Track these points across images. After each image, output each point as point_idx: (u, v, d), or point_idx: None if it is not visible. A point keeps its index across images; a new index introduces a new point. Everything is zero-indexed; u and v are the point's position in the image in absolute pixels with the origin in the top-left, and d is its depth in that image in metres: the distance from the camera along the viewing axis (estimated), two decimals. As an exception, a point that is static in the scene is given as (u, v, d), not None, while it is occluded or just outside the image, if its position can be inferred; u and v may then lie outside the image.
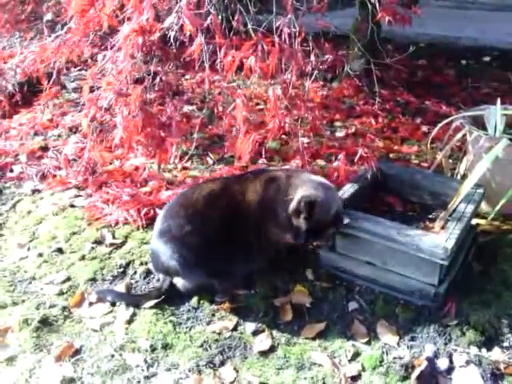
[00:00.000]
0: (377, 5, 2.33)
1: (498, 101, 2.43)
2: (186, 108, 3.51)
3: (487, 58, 4.67)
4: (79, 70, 3.92)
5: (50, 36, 2.44)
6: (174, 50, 2.32)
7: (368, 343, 1.78)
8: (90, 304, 1.97)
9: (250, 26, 2.20)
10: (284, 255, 2.11)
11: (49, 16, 2.83)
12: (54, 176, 2.80)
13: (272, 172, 2.06)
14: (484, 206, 2.38)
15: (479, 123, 2.46)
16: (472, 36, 5.09)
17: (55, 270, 2.15)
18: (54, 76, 2.53)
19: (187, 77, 4.17)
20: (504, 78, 3.99)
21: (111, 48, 2.26)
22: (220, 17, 2.25)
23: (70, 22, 2.21)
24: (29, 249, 2.29)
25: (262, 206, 1.95)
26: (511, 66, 4.09)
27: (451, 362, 1.69)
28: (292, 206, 1.89)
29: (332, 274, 2.06)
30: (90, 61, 3.33)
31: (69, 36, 2.28)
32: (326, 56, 2.45)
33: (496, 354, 1.71)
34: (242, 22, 2.21)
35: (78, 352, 1.77)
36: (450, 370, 1.67)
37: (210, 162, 2.94)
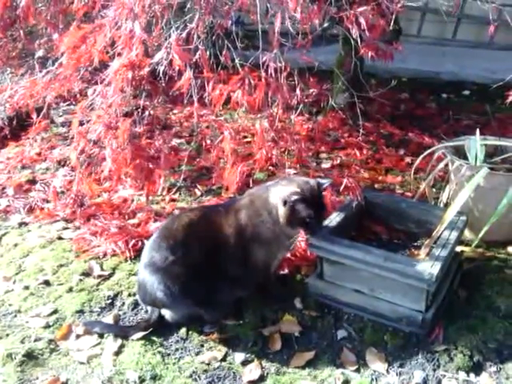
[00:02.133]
0: (359, 41, 2.43)
1: (478, 131, 2.52)
2: (174, 141, 3.56)
3: (467, 92, 4.84)
4: (68, 104, 3.97)
5: (40, 72, 2.48)
6: (163, 84, 2.38)
7: (357, 371, 1.78)
8: (78, 336, 1.95)
9: (237, 61, 2.27)
10: (273, 283, 2.12)
11: (40, 52, 2.88)
12: (42, 209, 2.79)
13: (237, 202, 2.06)
14: (468, 234, 2.43)
15: (460, 153, 2.53)
16: (451, 71, 5.28)
17: (42, 302, 2.13)
18: (44, 110, 2.57)
19: (175, 111, 4.24)
20: (483, 110, 4.11)
21: (101, 82, 2.31)
22: (208, 52, 2.32)
23: (62, 57, 2.26)
24: (14, 282, 2.27)
25: (243, 236, 1.96)
26: (489, 99, 4.23)
27: (440, 387, 1.70)
28: (282, 213, 1.89)
29: (320, 302, 2.07)
30: (79, 96, 3.38)
31: (60, 71, 2.32)
32: (311, 90, 2.53)
33: (484, 378, 1.72)
34: (229, 57, 2.29)
35: (64, 385, 1.74)
36: (440, 395, 1.68)
37: (198, 193, 2.97)
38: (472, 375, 1.74)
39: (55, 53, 2.39)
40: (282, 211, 1.90)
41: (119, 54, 2.22)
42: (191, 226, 1.97)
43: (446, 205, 2.49)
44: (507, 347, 1.85)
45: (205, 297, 1.93)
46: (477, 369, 1.77)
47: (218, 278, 1.93)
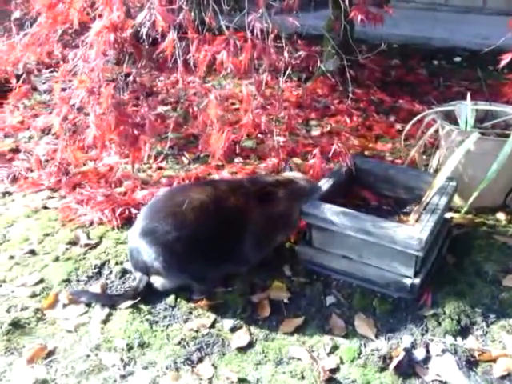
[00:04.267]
0: (347, 4, 2.35)
1: (469, 96, 2.48)
2: (161, 108, 3.48)
3: (458, 58, 4.77)
4: (51, 71, 3.85)
5: (18, 34, 2.38)
6: (147, 47, 2.29)
7: (346, 336, 1.78)
8: (64, 305, 1.92)
9: (222, 23, 2.19)
10: (270, 256, 2.10)
11: (17, 14, 2.76)
12: (26, 178, 2.73)
13: (271, 193, 2.05)
14: (457, 200, 2.42)
15: (451, 119, 2.50)
16: (442, 37, 5.19)
17: (27, 272, 2.10)
18: (24, 75, 2.48)
19: (162, 78, 4.14)
20: (474, 77, 4.06)
21: (82, 45, 2.22)
22: (193, 14, 2.24)
23: (39, 18, 2.16)
24: (-1, 251, 2.23)
25: (273, 225, 2.01)
26: (481, 66, 4.17)
27: (428, 351, 1.71)
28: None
29: (309, 269, 2.07)
30: (62, 62, 3.27)
31: (36, 30, 2.22)
32: (300, 52, 2.46)
33: (470, 342, 1.74)
34: (214, 19, 2.20)
35: (51, 354, 1.72)
36: (427, 359, 1.68)
37: (186, 161, 2.92)
38: (459, 339, 1.75)
39: (32, 13, 2.28)
40: None
41: (100, 16, 2.13)
42: (203, 209, 1.90)
43: (436, 171, 2.47)
44: (493, 311, 1.87)
45: (204, 273, 1.93)
46: (464, 332, 1.78)
47: (222, 259, 1.92)
